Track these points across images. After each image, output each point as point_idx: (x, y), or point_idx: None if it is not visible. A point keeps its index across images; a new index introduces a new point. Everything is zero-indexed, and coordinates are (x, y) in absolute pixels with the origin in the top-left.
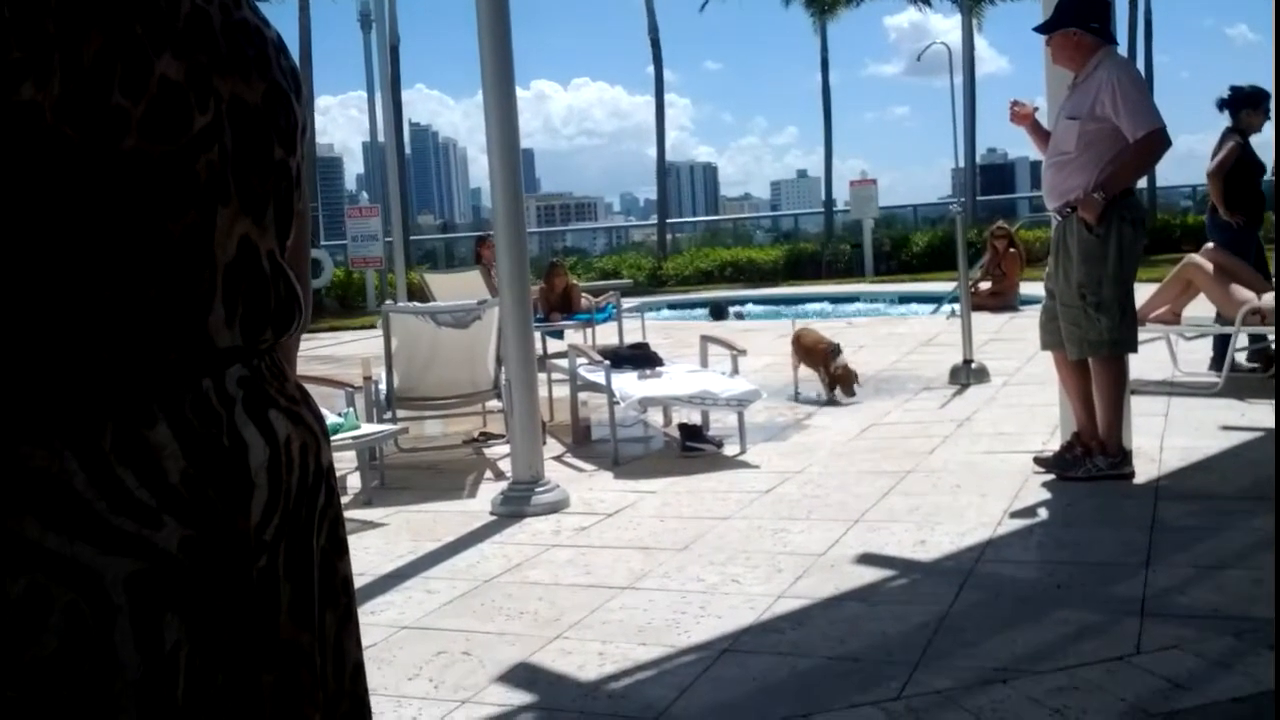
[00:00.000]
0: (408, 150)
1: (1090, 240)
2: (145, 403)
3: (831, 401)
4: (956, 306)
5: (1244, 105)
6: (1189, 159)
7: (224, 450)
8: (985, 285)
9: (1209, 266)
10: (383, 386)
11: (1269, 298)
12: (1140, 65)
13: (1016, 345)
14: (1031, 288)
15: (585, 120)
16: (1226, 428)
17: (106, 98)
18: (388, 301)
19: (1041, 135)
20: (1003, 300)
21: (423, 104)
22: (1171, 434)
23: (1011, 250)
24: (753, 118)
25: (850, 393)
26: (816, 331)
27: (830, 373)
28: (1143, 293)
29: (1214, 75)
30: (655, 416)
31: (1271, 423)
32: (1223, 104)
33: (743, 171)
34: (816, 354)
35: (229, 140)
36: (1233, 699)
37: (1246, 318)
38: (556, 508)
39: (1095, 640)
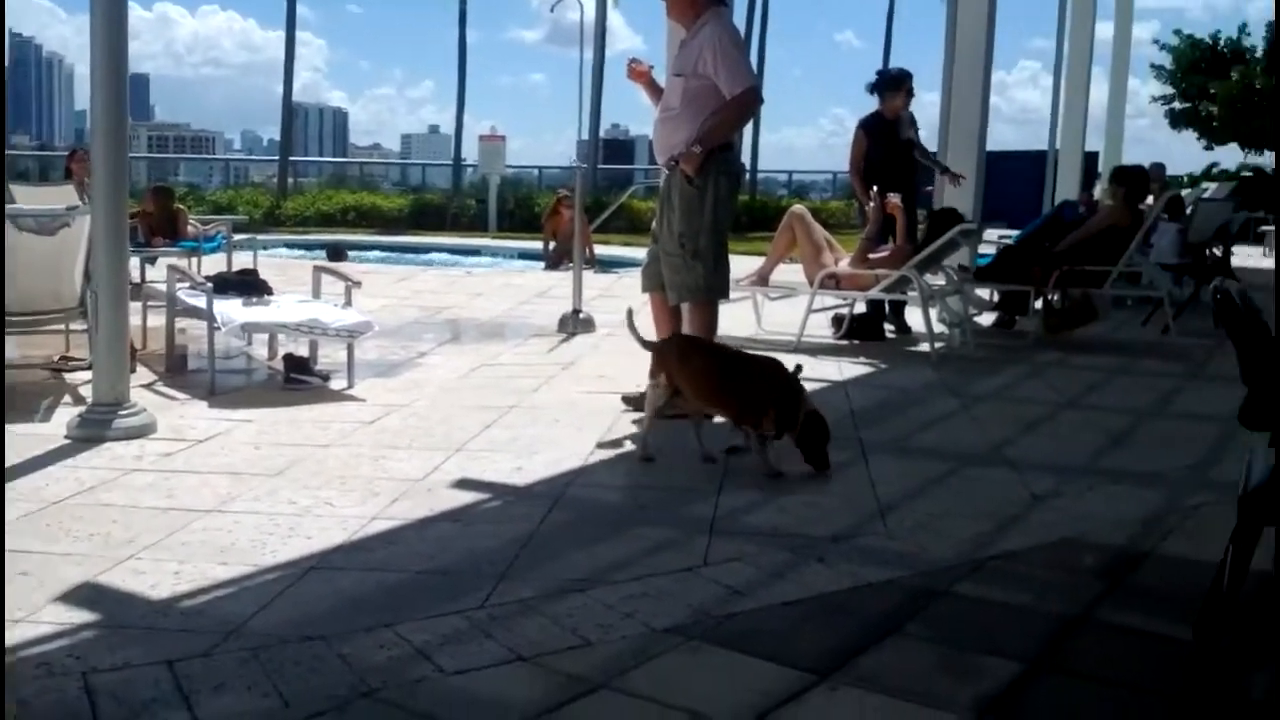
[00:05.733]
0: (5, 61)
1: (690, 192)
2: None
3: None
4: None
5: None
6: (789, 152)
7: None
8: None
9: (809, 219)
10: None
11: (845, 264)
12: (754, 59)
13: (623, 301)
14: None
15: (212, 49)
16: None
17: None
18: None
19: (657, 93)
20: (566, 259)
21: (31, 15)
22: None
23: (565, 213)
24: (390, 68)
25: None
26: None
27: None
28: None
29: (822, 74)
30: (260, 350)
31: (835, 375)
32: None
33: (375, 121)
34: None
35: None
36: (784, 603)
37: (823, 281)
38: (141, 433)
39: (668, 554)
